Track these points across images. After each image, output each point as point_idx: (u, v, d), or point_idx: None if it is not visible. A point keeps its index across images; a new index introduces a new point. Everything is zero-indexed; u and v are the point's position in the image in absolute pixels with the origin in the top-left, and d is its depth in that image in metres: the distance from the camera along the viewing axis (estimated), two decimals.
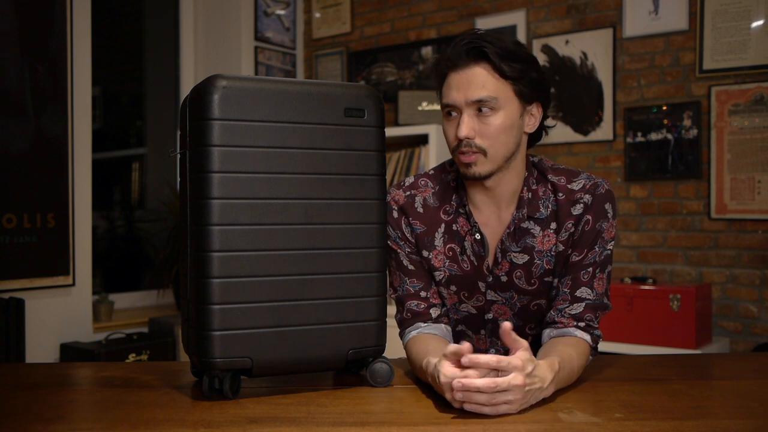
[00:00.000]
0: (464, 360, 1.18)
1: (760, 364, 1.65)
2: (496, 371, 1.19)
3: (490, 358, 1.17)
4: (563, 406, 1.24)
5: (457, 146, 1.46)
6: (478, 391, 1.15)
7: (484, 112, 1.43)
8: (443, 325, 1.55)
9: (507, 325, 1.21)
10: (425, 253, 1.56)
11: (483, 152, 1.44)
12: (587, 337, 1.46)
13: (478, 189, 1.53)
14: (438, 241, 1.56)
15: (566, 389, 1.34)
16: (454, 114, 1.47)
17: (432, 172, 1.62)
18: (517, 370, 1.18)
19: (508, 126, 1.45)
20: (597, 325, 1.49)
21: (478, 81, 1.43)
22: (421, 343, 1.46)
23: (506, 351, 1.61)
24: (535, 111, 1.51)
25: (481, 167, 1.45)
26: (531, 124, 1.51)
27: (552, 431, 1.12)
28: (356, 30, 4.36)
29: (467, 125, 1.43)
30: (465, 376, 1.17)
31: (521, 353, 1.20)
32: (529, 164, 1.55)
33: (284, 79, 1.39)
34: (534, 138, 1.55)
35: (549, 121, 1.57)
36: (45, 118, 3.24)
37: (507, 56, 1.43)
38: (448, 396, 1.21)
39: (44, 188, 3.25)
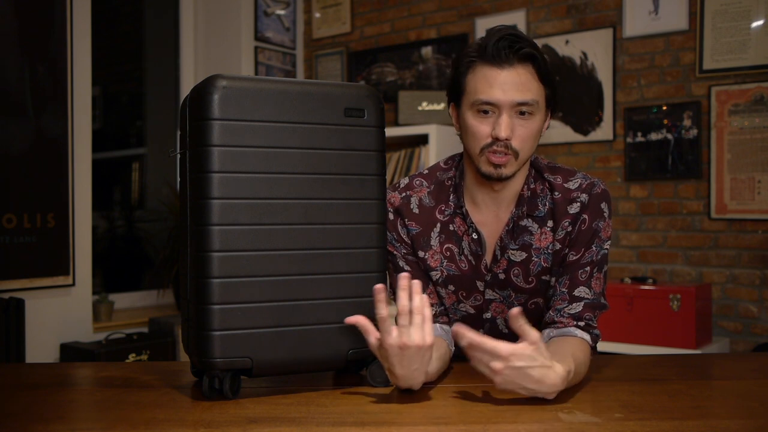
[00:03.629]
0: (466, 340, 1.21)
1: (760, 364, 1.65)
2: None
3: (494, 345, 1.21)
4: (563, 406, 1.24)
5: (489, 145, 1.44)
6: (478, 346, 1.19)
7: (524, 116, 1.43)
8: (438, 324, 1.55)
9: (515, 310, 1.21)
10: (421, 254, 1.56)
11: (516, 154, 1.44)
12: (587, 337, 1.46)
13: (484, 189, 1.53)
14: (434, 241, 1.56)
15: (567, 389, 1.34)
16: (490, 112, 1.44)
17: (427, 171, 1.62)
18: (535, 344, 1.21)
19: (538, 131, 1.46)
20: (596, 325, 1.49)
21: (525, 83, 1.42)
22: None
23: None
24: (548, 116, 1.52)
25: (509, 169, 1.45)
26: (544, 130, 1.52)
27: (552, 431, 1.12)
28: (356, 30, 4.36)
29: (508, 126, 1.41)
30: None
31: (532, 339, 1.22)
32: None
33: (284, 79, 1.39)
34: None
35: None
36: (45, 118, 3.25)
37: (545, 61, 1.45)
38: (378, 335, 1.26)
39: (44, 188, 3.25)
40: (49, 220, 3.26)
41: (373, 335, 1.26)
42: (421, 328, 1.23)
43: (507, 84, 1.41)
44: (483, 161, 1.46)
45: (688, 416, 1.19)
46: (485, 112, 1.44)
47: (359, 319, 1.28)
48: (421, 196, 1.58)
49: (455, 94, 1.51)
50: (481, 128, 1.44)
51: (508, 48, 1.41)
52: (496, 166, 1.44)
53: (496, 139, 1.42)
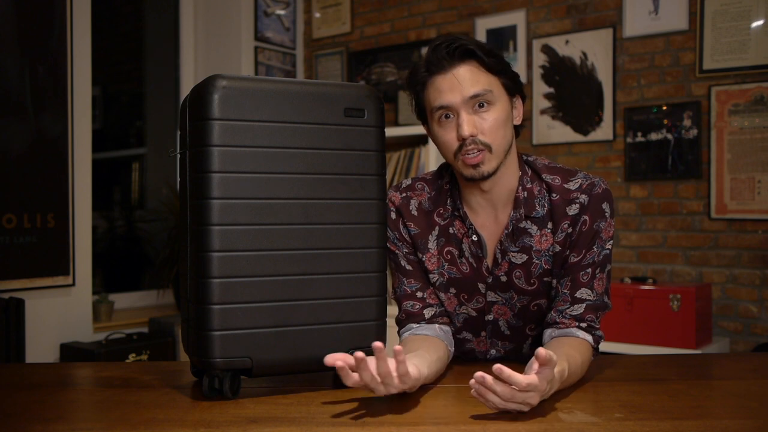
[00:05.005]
0: (503, 375, 1.12)
1: (759, 364, 1.65)
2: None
3: (521, 380, 1.13)
4: (563, 406, 1.24)
5: (460, 147, 1.44)
6: (494, 393, 1.15)
7: (483, 108, 1.44)
8: (437, 325, 1.54)
9: (543, 351, 1.15)
10: (420, 255, 1.56)
11: (488, 148, 1.44)
12: (589, 338, 1.46)
13: (475, 192, 1.52)
14: (431, 244, 1.56)
15: (566, 389, 1.34)
16: (450, 116, 1.45)
17: (429, 176, 1.62)
18: (539, 391, 1.16)
19: (504, 118, 1.46)
20: (598, 326, 1.49)
21: (471, 77, 1.43)
22: (412, 344, 1.45)
23: (507, 352, 1.62)
24: (518, 104, 1.52)
25: (488, 165, 1.45)
26: (518, 117, 1.52)
27: (552, 431, 1.12)
28: (356, 30, 4.36)
29: (469, 123, 1.43)
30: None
31: (548, 373, 1.16)
32: (523, 163, 1.54)
33: (284, 79, 1.39)
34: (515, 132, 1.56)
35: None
36: (45, 118, 3.24)
37: (487, 53, 1.45)
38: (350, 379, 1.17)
39: (44, 188, 3.25)
40: (49, 220, 3.26)
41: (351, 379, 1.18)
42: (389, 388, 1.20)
43: (454, 84, 1.43)
44: (461, 165, 1.46)
45: (688, 416, 1.19)
46: (446, 117, 1.46)
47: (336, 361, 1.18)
48: (421, 200, 1.58)
49: (422, 115, 1.54)
50: (447, 134, 1.46)
51: (445, 52, 1.44)
52: (474, 166, 1.45)
53: (463, 140, 1.43)
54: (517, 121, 1.52)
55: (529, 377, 1.14)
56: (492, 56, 1.46)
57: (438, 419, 1.17)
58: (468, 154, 1.44)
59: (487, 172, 1.45)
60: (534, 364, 1.17)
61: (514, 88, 1.50)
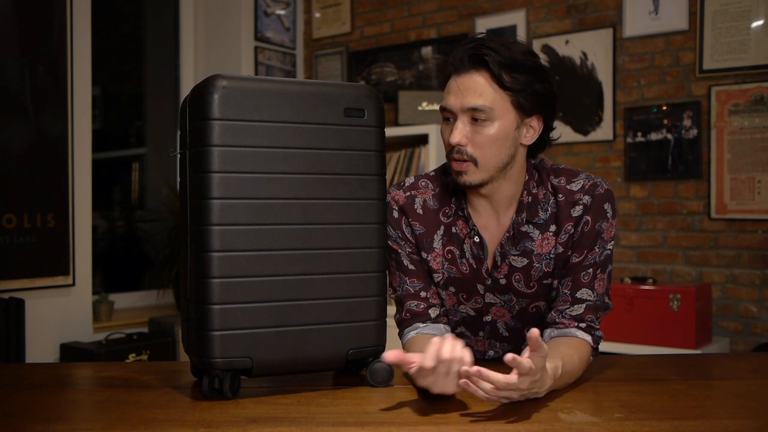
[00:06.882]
0: (483, 375, 1.15)
1: (759, 364, 1.65)
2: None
3: (500, 379, 1.15)
4: (563, 406, 1.24)
5: (450, 151, 1.47)
6: (489, 381, 1.15)
7: (478, 121, 1.43)
8: (442, 325, 1.55)
9: (535, 331, 1.16)
10: (424, 255, 1.56)
11: (474, 161, 1.44)
12: (588, 338, 1.46)
13: (475, 194, 1.53)
14: (437, 243, 1.55)
15: (566, 389, 1.34)
16: (450, 119, 1.47)
17: (433, 173, 1.62)
18: (530, 375, 1.17)
19: (501, 137, 1.44)
20: (598, 326, 1.49)
21: (476, 89, 1.42)
22: (420, 343, 1.46)
23: (505, 353, 1.62)
24: (535, 123, 1.49)
25: (471, 176, 1.45)
26: (529, 137, 1.49)
27: (552, 431, 1.12)
28: (356, 30, 4.36)
29: (460, 132, 1.43)
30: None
31: (538, 360, 1.17)
32: (530, 167, 1.54)
33: (284, 79, 1.39)
34: (535, 149, 1.54)
35: (554, 133, 1.55)
36: (45, 118, 3.24)
37: (509, 66, 1.41)
38: (413, 371, 1.22)
39: (44, 188, 3.25)
40: (49, 220, 3.26)
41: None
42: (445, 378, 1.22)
43: (460, 90, 1.44)
44: (451, 168, 1.48)
45: (688, 416, 1.19)
46: (447, 119, 1.48)
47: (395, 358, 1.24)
48: (425, 198, 1.57)
49: None
50: (445, 135, 1.49)
51: (464, 55, 1.43)
52: (458, 173, 1.46)
53: (452, 146, 1.45)
54: (527, 141, 1.49)
55: (507, 377, 1.16)
56: (513, 71, 1.41)
57: (438, 419, 1.17)
58: (455, 160, 1.46)
59: (469, 182, 1.46)
60: (526, 351, 1.18)
61: (531, 108, 1.45)
